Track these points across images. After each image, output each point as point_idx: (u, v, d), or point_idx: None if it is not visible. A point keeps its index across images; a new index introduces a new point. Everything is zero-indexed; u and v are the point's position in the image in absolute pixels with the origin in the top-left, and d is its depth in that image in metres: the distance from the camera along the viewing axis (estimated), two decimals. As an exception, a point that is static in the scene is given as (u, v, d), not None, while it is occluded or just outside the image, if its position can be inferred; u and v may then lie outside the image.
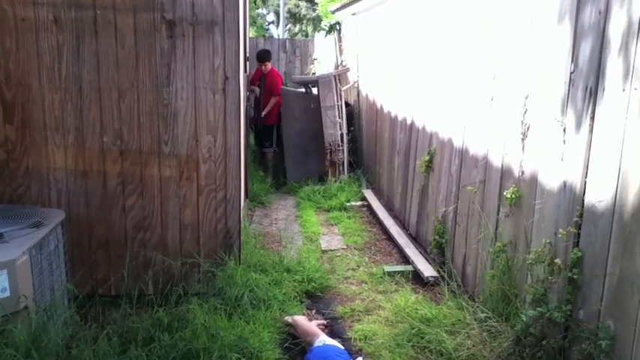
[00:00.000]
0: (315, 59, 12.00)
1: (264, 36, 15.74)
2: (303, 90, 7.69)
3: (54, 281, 3.05)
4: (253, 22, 16.99)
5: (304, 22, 18.22)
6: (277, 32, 18.29)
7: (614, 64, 2.33)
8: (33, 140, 3.44)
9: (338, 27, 9.28)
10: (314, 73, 10.77)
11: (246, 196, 5.94)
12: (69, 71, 3.40)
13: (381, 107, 6.46)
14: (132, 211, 3.60)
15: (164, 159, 3.57)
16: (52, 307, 2.89)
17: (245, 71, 5.48)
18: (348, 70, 8.21)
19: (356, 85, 8.04)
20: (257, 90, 7.47)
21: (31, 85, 3.38)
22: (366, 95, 7.41)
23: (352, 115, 7.98)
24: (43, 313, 2.78)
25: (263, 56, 7.58)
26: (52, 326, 2.75)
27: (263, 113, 7.47)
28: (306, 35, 14.33)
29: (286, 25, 17.49)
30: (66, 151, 3.48)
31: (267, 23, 19.71)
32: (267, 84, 7.51)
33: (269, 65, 7.61)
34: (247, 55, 6.02)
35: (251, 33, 14.75)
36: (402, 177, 5.55)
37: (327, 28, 9.35)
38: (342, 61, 9.04)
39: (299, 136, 7.37)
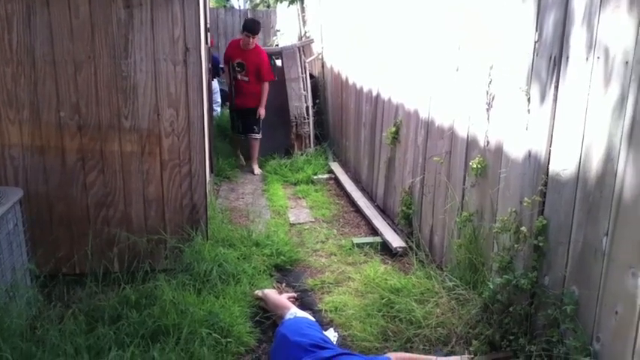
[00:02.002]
0: (277, 31, 11.81)
1: (224, 7, 15.35)
2: (267, 62, 7.57)
3: (14, 261, 2.96)
4: (213, -8, 16.53)
5: (266, -8, 17.88)
6: (238, 3, 17.87)
7: (577, 33, 2.34)
8: (-15, 116, 3.29)
9: (301, -3, 9.13)
10: (277, 45, 10.61)
11: (212, 170, 5.86)
12: (20, 43, 3.24)
13: (346, 79, 6.41)
14: (93, 188, 3.50)
15: (125, 134, 3.46)
16: (13, 287, 2.81)
17: (206, 42, 5.34)
18: (312, 41, 8.11)
19: (320, 56, 7.95)
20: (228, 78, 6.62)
21: (-20, 57, 3.22)
22: (331, 67, 7.34)
23: (317, 87, 7.90)
24: (4, 293, 2.70)
25: (254, 27, 6.41)
26: (14, 307, 2.67)
27: (261, 110, 6.55)
28: (268, 6, 14.04)
29: (248, -4, 17.11)
30: (21, 126, 3.34)
31: (227, -7, 19.23)
32: (254, 65, 6.44)
33: (255, 40, 6.45)
34: (208, 26, 5.87)
35: (211, 3, 14.37)
36: (368, 149, 5.55)
37: (289, -2, 9.18)
38: (305, 33, 8.92)
39: (263, 109, 7.25)
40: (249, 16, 12.41)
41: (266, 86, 6.56)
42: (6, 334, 2.43)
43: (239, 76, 6.53)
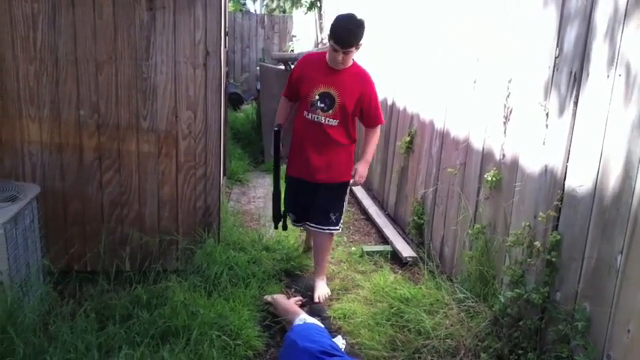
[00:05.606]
0: (294, 36, 11.87)
1: (241, 10, 15.46)
2: (283, 67, 7.60)
3: (29, 257, 2.99)
4: (231, -3, 16.65)
5: (282, -3, 17.99)
6: (254, 7, 17.98)
7: (599, 50, 2.34)
8: (6, 112, 3.33)
9: (319, 4, 9.17)
10: (292, 50, 10.66)
11: (224, 173, 5.88)
12: (44, 42, 3.28)
13: (361, 87, 6.42)
14: (109, 187, 3.53)
15: (142, 134, 3.49)
16: (27, 282, 2.84)
17: (225, 46, 5.38)
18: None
19: (336, 63, 7.95)
20: (283, 112, 3.95)
21: (4, 54, 3.26)
22: (346, 74, 7.34)
23: (331, 94, 7.89)
24: (18, 289, 2.73)
25: (353, 36, 3.35)
26: (27, 302, 2.70)
27: (363, 169, 3.58)
28: (284, 11, 14.11)
29: (264, 0, 17.20)
30: (41, 124, 3.38)
31: (244, -2, 19.36)
32: (353, 98, 3.46)
33: (352, 56, 3.47)
34: (227, 30, 5.92)
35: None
36: (381, 157, 5.55)
37: (307, 4, 9.22)
38: (322, 39, 8.95)
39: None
40: (266, 20, 12.43)
41: (376, 134, 3.70)
42: (19, 328, 2.46)
43: (321, 118, 3.49)
